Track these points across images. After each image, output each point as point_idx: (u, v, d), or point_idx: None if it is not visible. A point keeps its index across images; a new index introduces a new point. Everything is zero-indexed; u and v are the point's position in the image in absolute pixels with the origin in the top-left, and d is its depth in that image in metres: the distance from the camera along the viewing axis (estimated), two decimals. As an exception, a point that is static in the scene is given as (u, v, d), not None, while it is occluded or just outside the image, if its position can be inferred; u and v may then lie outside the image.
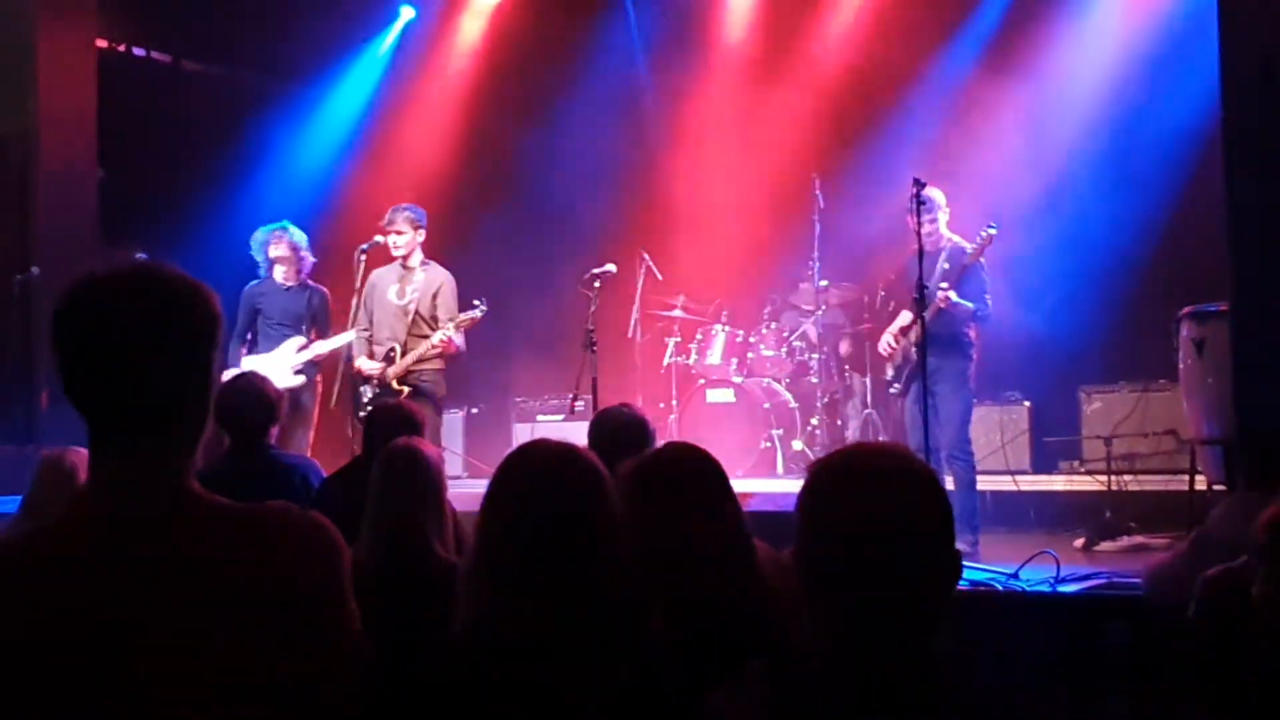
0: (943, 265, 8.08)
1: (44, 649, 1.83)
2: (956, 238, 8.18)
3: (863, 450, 2.17)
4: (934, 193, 8.16)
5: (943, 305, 7.85)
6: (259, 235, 9.29)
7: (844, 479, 2.06)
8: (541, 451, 2.87)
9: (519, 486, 2.81)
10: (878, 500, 2.01)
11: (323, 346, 9.02)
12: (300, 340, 9.01)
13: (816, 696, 1.98)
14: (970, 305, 7.97)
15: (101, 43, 11.60)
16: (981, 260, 8.02)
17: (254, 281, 9.29)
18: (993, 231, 7.90)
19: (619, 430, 4.74)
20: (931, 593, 2.02)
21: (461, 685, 2.65)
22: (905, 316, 8.18)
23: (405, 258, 8.90)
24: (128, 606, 1.84)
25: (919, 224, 7.53)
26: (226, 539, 1.93)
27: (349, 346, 8.96)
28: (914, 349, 8.01)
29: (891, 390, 8.48)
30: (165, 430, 1.97)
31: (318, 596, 1.95)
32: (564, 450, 2.88)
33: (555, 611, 2.64)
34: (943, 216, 8.18)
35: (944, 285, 7.87)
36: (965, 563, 6.66)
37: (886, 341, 8.42)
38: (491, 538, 2.79)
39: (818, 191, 10.46)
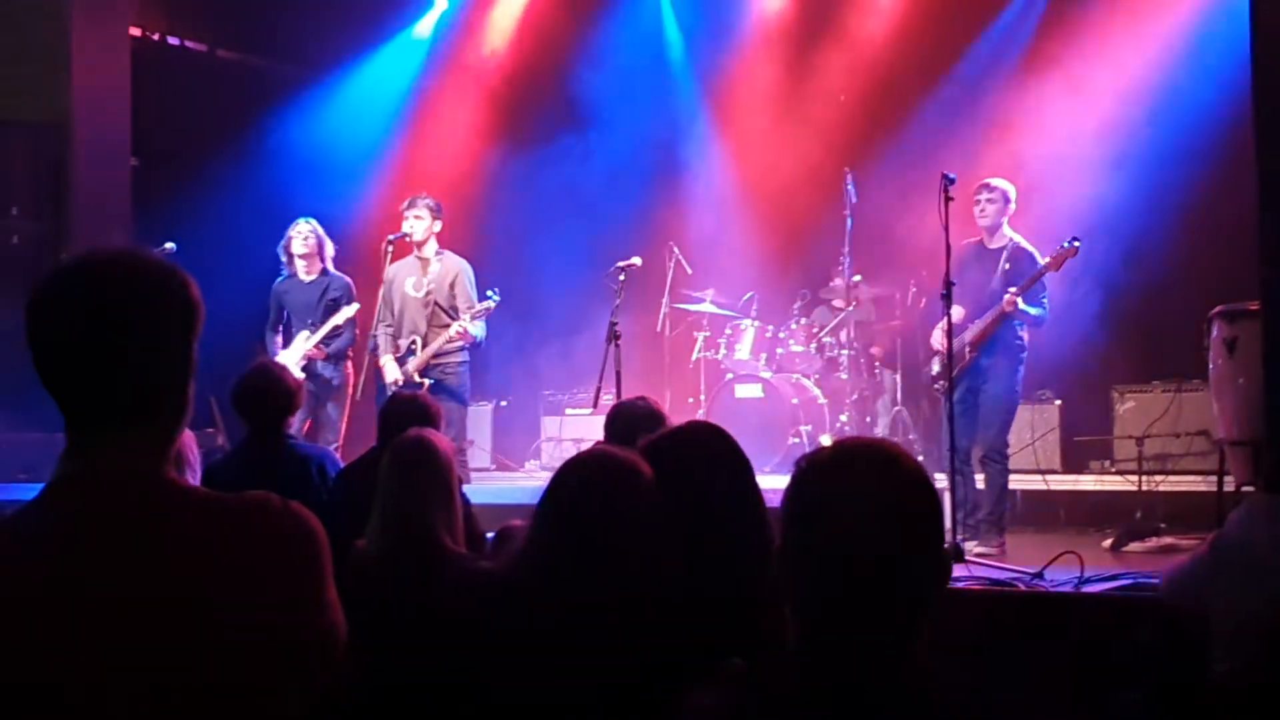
0: (1004, 266, 8.00)
1: (10, 639, 1.80)
2: (1019, 238, 8.10)
3: (851, 445, 2.11)
4: (1004, 184, 8.12)
5: (1008, 309, 7.79)
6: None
7: (829, 474, 2.01)
8: (593, 461, 2.92)
9: (567, 494, 2.92)
10: (863, 497, 1.96)
11: (317, 335, 9.00)
12: (307, 333, 9.02)
13: (791, 698, 1.93)
14: (1035, 312, 7.90)
15: (136, 31, 11.67)
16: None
17: (281, 278, 9.31)
18: (1076, 245, 7.83)
19: (634, 422, 4.74)
20: (915, 595, 1.97)
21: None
22: (957, 312, 8.11)
23: (420, 245, 8.92)
24: (95, 599, 1.81)
25: (947, 220, 7.44)
26: (200, 530, 1.89)
27: (373, 340, 8.95)
28: (966, 348, 7.96)
29: (936, 387, 8.38)
30: (142, 422, 1.93)
31: (291, 589, 1.91)
32: (615, 461, 2.96)
33: (584, 612, 2.68)
34: (1009, 211, 8.12)
35: (1012, 290, 7.80)
36: (989, 563, 6.65)
37: (939, 338, 8.32)
38: (539, 539, 2.90)
39: (850, 185, 10.39)
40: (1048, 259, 7.90)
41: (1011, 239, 8.11)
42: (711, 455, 3.23)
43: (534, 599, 2.81)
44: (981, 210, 8.03)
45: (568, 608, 2.76)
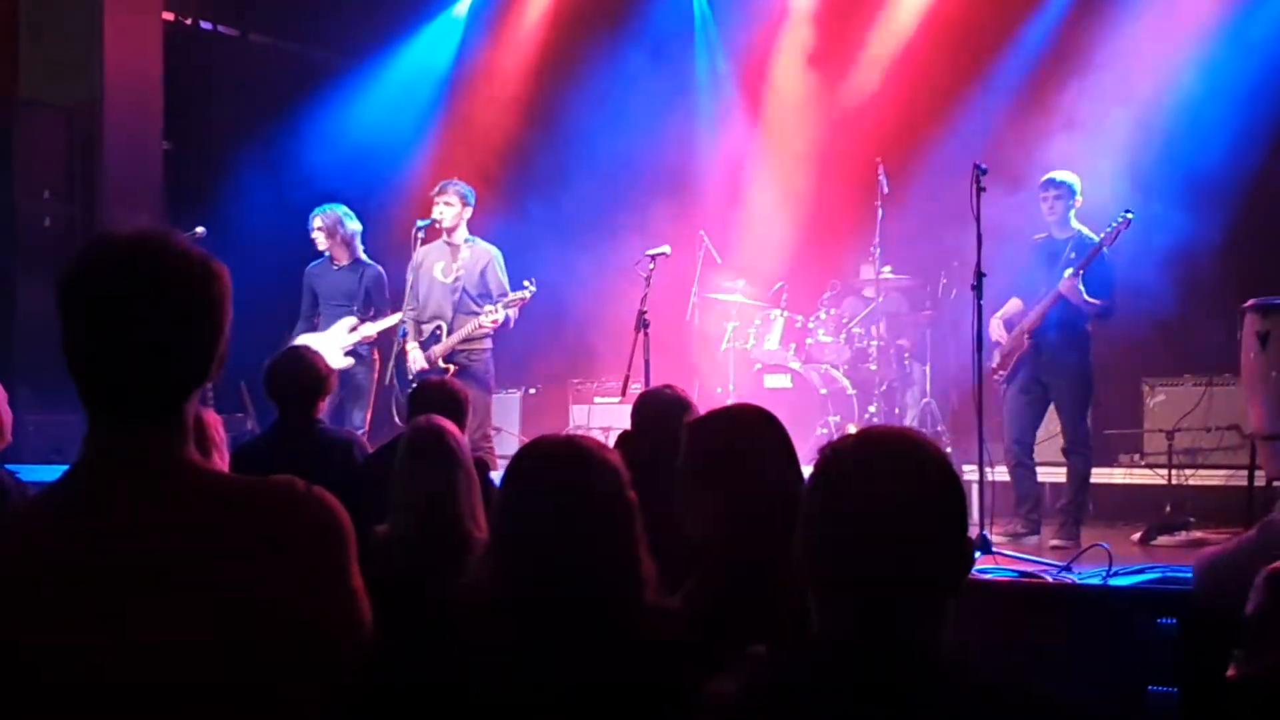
0: (1069, 255, 7.98)
1: (31, 618, 1.80)
2: (1085, 229, 8.07)
3: (875, 433, 2.11)
4: (1068, 177, 8.10)
5: (1064, 291, 7.76)
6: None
7: (852, 463, 2.00)
8: (545, 448, 2.88)
9: (523, 482, 2.86)
10: (885, 486, 1.95)
11: (371, 328, 9.02)
12: (352, 320, 9.01)
13: (812, 684, 1.92)
14: (1096, 302, 7.85)
15: (168, 15, 11.70)
16: (1105, 251, 7.90)
17: (314, 262, 9.32)
18: (1129, 217, 7.80)
19: (661, 410, 4.74)
20: (937, 583, 1.96)
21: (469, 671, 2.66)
22: (1015, 303, 8.10)
23: (450, 231, 8.91)
24: (117, 581, 1.81)
25: (978, 211, 7.40)
26: (223, 512, 1.89)
27: (402, 326, 8.95)
28: (1026, 337, 7.94)
29: (996, 377, 8.35)
30: (167, 406, 1.93)
31: (313, 573, 1.90)
32: (568, 447, 2.91)
33: (561, 601, 2.65)
34: (1075, 204, 8.09)
35: (1068, 272, 7.78)
36: (1017, 554, 6.63)
37: (996, 327, 8.29)
38: (501, 531, 2.88)
39: (881, 176, 10.34)
40: (1102, 235, 7.86)
41: (1078, 230, 8.09)
42: (756, 442, 3.24)
43: (505, 601, 2.78)
44: (1050, 208, 8.05)
45: (540, 605, 2.72)
